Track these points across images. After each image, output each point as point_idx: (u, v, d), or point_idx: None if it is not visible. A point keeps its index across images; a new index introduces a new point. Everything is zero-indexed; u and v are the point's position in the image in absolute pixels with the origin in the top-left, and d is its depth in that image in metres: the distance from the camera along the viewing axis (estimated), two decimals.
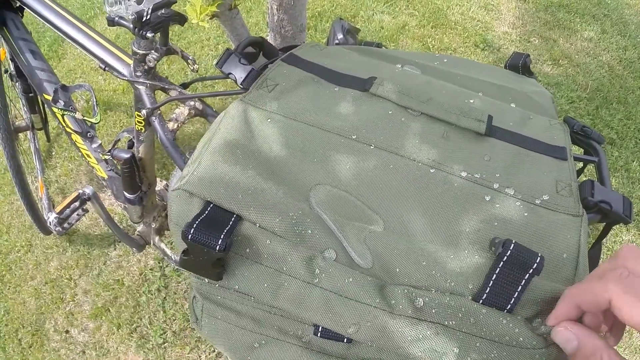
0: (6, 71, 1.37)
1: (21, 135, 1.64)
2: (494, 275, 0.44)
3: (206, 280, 0.50)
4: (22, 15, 1.14)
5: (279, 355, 0.51)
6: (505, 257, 0.44)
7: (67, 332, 1.44)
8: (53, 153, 1.84)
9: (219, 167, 0.49)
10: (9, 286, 1.54)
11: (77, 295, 1.50)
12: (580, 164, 0.69)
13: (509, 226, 0.49)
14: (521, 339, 0.42)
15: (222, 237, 0.45)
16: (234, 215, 0.47)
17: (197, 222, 0.45)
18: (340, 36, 2.10)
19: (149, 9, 0.68)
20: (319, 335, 0.48)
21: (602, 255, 1.51)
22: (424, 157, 0.54)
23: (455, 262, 0.46)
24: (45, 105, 1.49)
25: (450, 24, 2.31)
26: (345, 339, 0.48)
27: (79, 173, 1.77)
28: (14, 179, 1.35)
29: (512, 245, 0.44)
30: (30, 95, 1.45)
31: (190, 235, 0.45)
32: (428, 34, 2.24)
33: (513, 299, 0.43)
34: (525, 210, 0.50)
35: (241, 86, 0.62)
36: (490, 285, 0.43)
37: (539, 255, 0.44)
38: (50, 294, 1.50)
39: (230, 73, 0.62)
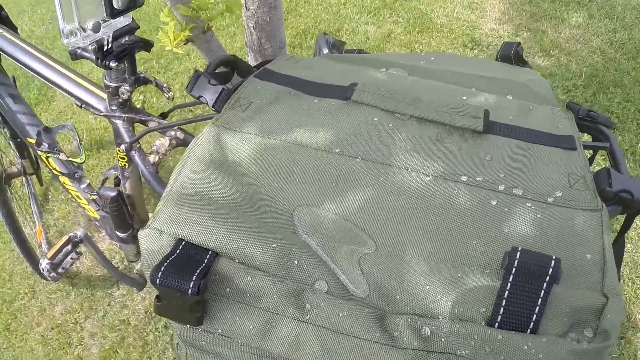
0: None
1: (17, 181, 1.63)
2: (506, 293, 0.38)
3: (187, 326, 0.45)
4: (0, 60, 1.13)
5: None
6: (514, 269, 0.38)
7: None
8: (49, 196, 1.82)
9: (189, 199, 0.45)
10: (16, 334, 1.51)
11: (84, 338, 1.46)
12: (591, 152, 0.64)
13: (521, 232, 0.44)
14: None
15: (194, 278, 0.40)
16: (209, 252, 0.42)
17: (165, 263, 0.41)
18: (325, 51, 2.09)
19: (109, 37, 0.64)
20: None
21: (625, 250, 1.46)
22: (417, 165, 0.49)
23: (463, 284, 0.40)
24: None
25: (436, 27, 2.30)
26: None
27: (77, 215, 1.75)
28: (7, 227, 1.33)
29: (519, 253, 0.39)
30: (19, 140, 1.43)
31: (158, 280, 0.40)
32: (415, 40, 2.23)
33: (535, 316, 0.37)
34: (538, 211, 0.45)
35: (213, 109, 0.58)
36: (503, 305, 0.38)
37: (553, 257, 0.38)
38: (57, 340, 1.47)
39: (200, 96, 0.58)
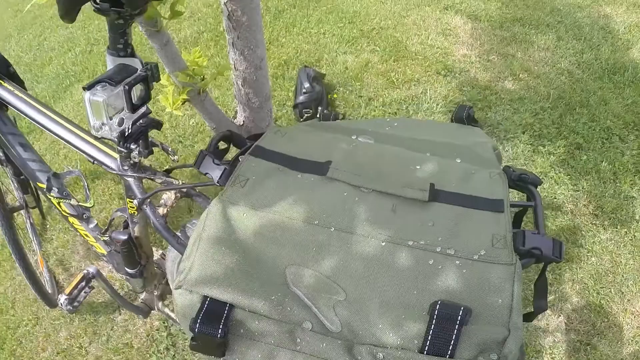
0: None
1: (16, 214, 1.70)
2: (431, 331, 0.54)
3: (213, 357, 0.61)
4: (7, 109, 1.21)
5: None
6: (435, 316, 0.55)
7: None
8: (48, 226, 1.89)
9: (209, 263, 0.61)
10: None
11: None
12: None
13: (449, 284, 0.59)
14: None
15: (221, 327, 0.57)
16: (227, 305, 0.58)
17: (200, 317, 0.58)
18: (307, 85, 2.21)
19: (129, 126, 0.76)
20: None
21: (584, 256, 1.58)
22: (375, 233, 0.64)
23: (403, 323, 0.56)
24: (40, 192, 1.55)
25: (411, 55, 2.40)
26: None
27: (75, 243, 1.82)
28: (15, 256, 1.40)
29: (438, 305, 0.55)
30: (22, 177, 1.51)
31: (197, 329, 0.57)
32: (391, 69, 2.34)
33: (451, 346, 0.53)
34: (464, 267, 0.60)
35: (218, 184, 0.72)
36: (429, 339, 0.54)
37: (461, 308, 0.54)
38: None
39: (207, 173, 0.73)
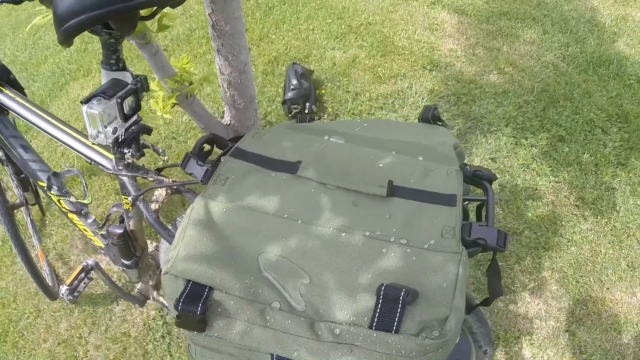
0: None
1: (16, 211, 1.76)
2: (378, 309, 0.63)
3: (195, 332, 0.69)
4: (8, 113, 1.27)
5: None
6: (381, 296, 0.63)
7: None
8: (47, 222, 1.96)
9: (192, 252, 0.70)
10: (24, 351, 1.64)
11: (89, 351, 1.61)
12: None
13: (400, 269, 0.67)
14: (403, 350, 0.61)
15: (200, 305, 0.66)
16: (207, 287, 0.67)
17: (183, 297, 0.67)
18: (294, 82, 2.27)
19: (122, 133, 0.86)
20: None
21: (563, 246, 1.63)
22: (336, 225, 0.73)
23: (356, 303, 0.65)
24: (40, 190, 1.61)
25: (397, 50, 2.45)
26: None
27: (74, 238, 1.89)
28: (16, 251, 1.46)
29: (384, 287, 0.64)
30: (22, 176, 1.57)
31: (179, 307, 0.66)
32: (378, 64, 2.38)
33: (395, 323, 0.62)
34: (414, 254, 0.69)
35: (201, 182, 0.82)
36: (377, 317, 0.63)
37: (403, 290, 0.63)
38: (64, 354, 1.61)
39: (191, 173, 0.83)
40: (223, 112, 1.71)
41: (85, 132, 0.87)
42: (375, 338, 0.62)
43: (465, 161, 0.92)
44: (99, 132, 0.81)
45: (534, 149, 2.00)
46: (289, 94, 2.06)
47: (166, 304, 1.31)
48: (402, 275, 0.67)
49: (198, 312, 0.65)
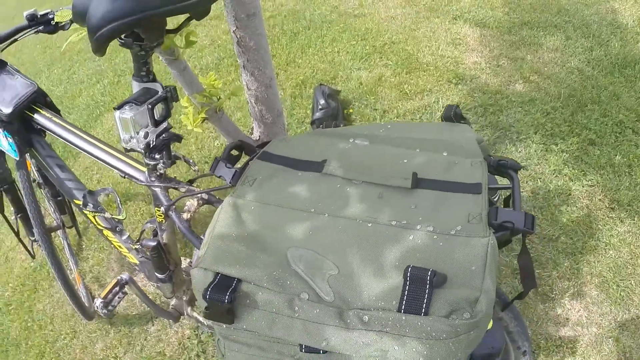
0: (34, 180, 1.55)
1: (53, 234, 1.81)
2: (405, 292, 0.63)
3: (224, 325, 0.70)
4: (45, 134, 1.32)
5: None
6: (408, 278, 0.64)
7: None
8: (83, 246, 2.01)
9: (221, 247, 0.72)
10: None
11: None
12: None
13: (427, 254, 0.67)
14: (434, 333, 0.60)
15: (227, 294, 0.67)
16: (235, 279, 0.68)
17: (211, 287, 0.68)
18: (322, 102, 2.31)
19: (153, 138, 0.88)
20: (303, 351, 0.70)
21: (601, 250, 1.58)
22: (362, 215, 0.74)
23: (384, 288, 0.65)
24: (75, 207, 1.66)
25: (422, 66, 2.47)
26: (322, 351, 0.69)
27: (110, 261, 1.93)
28: (55, 273, 1.50)
29: (410, 268, 0.64)
30: (59, 198, 1.63)
31: (208, 296, 0.67)
32: (403, 81, 2.40)
33: (424, 306, 0.61)
34: (441, 240, 0.69)
35: (230, 184, 0.84)
36: (405, 300, 0.63)
37: (429, 271, 0.63)
38: None
39: (220, 175, 0.85)
40: (252, 128, 1.75)
41: (119, 147, 0.90)
42: (405, 321, 0.62)
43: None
44: (131, 136, 0.84)
45: (564, 154, 1.96)
46: (317, 114, 2.09)
47: (201, 319, 1.31)
48: (429, 260, 0.66)
49: (226, 301, 0.66)
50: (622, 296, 1.55)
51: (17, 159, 1.25)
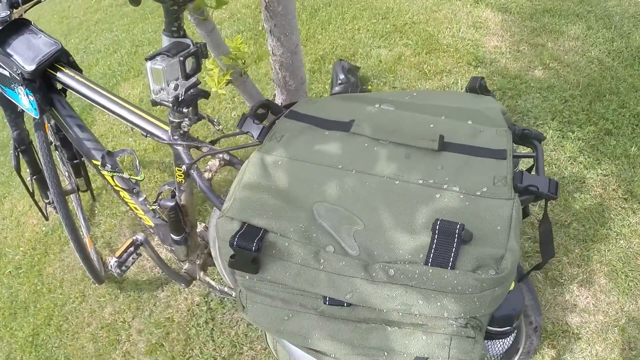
0: (50, 143, 1.56)
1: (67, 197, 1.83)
2: (434, 245, 0.64)
3: (247, 276, 0.71)
4: (66, 95, 1.33)
5: (303, 323, 0.72)
6: (437, 231, 0.64)
7: None
8: (96, 211, 2.03)
9: (248, 198, 0.72)
10: (67, 334, 1.70)
11: (131, 335, 1.65)
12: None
13: (453, 212, 0.68)
14: (460, 287, 0.61)
15: (255, 242, 0.67)
16: (262, 229, 0.69)
17: (238, 235, 0.68)
18: (342, 76, 2.30)
19: (182, 92, 0.88)
20: (327, 304, 0.70)
21: (612, 239, 1.57)
22: (390, 173, 0.74)
23: (412, 242, 0.66)
24: (91, 169, 1.68)
25: (442, 47, 2.45)
26: (346, 304, 0.69)
27: (122, 227, 1.95)
28: (69, 235, 1.51)
29: (439, 221, 0.64)
30: (75, 161, 1.64)
31: (235, 243, 0.68)
32: (423, 61, 2.39)
33: (451, 259, 0.62)
34: (467, 200, 0.70)
35: (257, 140, 0.84)
36: (432, 252, 0.63)
37: (458, 224, 0.63)
38: (107, 337, 1.66)
39: (248, 131, 0.85)
40: (274, 94, 1.74)
41: (143, 106, 0.90)
42: (431, 274, 0.62)
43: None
44: (161, 88, 0.84)
45: (580, 142, 1.94)
46: (337, 88, 2.08)
47: (213, 284, 1.33)
48: (456, 217, 0.67)
49: (253, 249, 0.66)
50: (631, 286, 1.55)
51: (37, 117, 1.26)
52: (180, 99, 0.89)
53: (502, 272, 0.62)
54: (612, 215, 1.72)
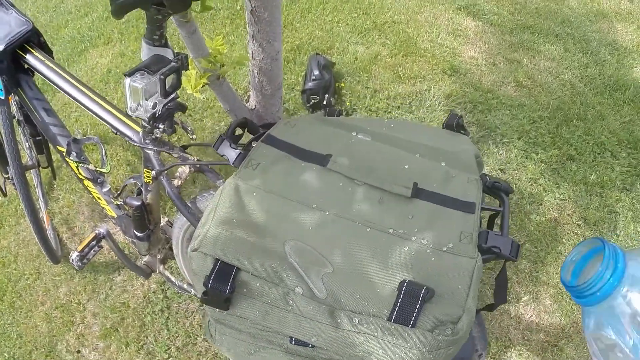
0: (13, 117, 1.50)
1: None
2: (398, 303, 0.66)
3: (217, 310, 0.72)
4: (33, 74, 1.28)
5: (268, 358, 0.76)
6: (403, 292, 0.67)
7: (78, 352, 1.57)
8: (55, 186, 1.97)
9: (221, 234, 0.72)
10: (20, 312, 1.67)
11: (86, 318, 1.63)
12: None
13: (419, 268, 0.70)
14: (418, 345, 0.64)
15: (229, 285, 0.69)
16: (235, 268, 0.70)
17: (212, 275, 0.70)
18: (316, 72, 2.28)
19: (160, 108, 0.87)
20: (293, 343, 0.73)
21: (560, 263, 1.63)
22: (362, 219, 0.76)
23: (377, 295, 0.68)
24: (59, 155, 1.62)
25: (419, 51, 2.45)
26: (310, 345, 0.72)
27: (81, 204, 1.90)
28: (26, 211, 1.47)
29: (406, 283, 0.67)
30: (38, 138, 1.58)
31: (209, 285, 0.69)
32: (399, 63, 2.39)
33: (412, 318, 0.65)
34: (433, 255, 0.72)
35: (233, 165, 0.83)
36: (396, 310, 0.66)
37: (424, 288, 0.66)
38: (61, 318, 1.63)
39: (224, 154, 0.85)
40: (248, 95, 1.72)
41: (117, 104, 0.88)
42: (393, 330, 0.65)
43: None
44: (139, 105, 0.82)
45: (543, 164, 2.01)
46: (310, 84, 2.07)
47: (172, 278, 1.33)
48: (420, 273, 0.70)
49: (227, 291, 0.68)
50: (573, 309, 1.64)
51: (2, 98, 1.21)
52: (157, 115, 0.88)
53: (457, 333, 0.65)
54: (564, 240, 1.80)
